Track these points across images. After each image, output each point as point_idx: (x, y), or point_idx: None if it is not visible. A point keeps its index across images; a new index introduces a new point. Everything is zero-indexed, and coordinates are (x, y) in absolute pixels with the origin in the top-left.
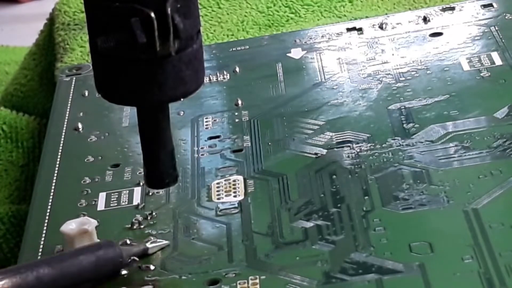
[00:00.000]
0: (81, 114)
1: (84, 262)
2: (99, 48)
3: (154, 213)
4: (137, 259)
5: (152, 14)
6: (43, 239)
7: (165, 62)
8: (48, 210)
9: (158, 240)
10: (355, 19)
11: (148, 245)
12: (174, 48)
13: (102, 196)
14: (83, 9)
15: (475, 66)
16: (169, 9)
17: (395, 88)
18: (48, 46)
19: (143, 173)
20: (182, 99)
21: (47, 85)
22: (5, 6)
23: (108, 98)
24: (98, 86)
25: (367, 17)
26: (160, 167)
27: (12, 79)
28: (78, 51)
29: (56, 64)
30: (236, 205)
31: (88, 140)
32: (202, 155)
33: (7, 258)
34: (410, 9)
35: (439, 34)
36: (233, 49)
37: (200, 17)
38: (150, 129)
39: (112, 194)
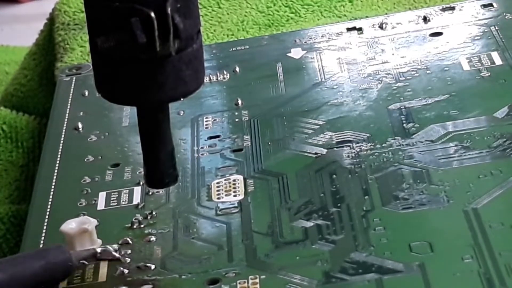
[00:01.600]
0: (81, 114)
1: (34, 266)
2: (99, 48)
3: (154, 213)
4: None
5: (152, 14)
6: (43, 238)
7: (165, 62)
8: (48, 210)
9: (109, 246)
10: (355, 19)
11: (97, 249)
12: (174, 48)
13: (102, 195)
14: (83, 9)
15: (475, 66)
16: (169, 9)
17: (395, 88)
18: (48, 46)
19: (143, 172)
20: (182, 99)
21: (47, 85)
22: (5, 6)
23: (108, 98)
24: (98, 86)
25: (367, 17)
26: (160, 167)
27: (12, 79)
28: (78, 51)
29: (56, 64)
30: (236, 205)
31: (88, 140)
32: (202, 154)
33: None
34: (410, 9)
35: (439, 34)
36: (233, 49)
37: (200, 17)
38: (150, 129)
39: (112, 193)
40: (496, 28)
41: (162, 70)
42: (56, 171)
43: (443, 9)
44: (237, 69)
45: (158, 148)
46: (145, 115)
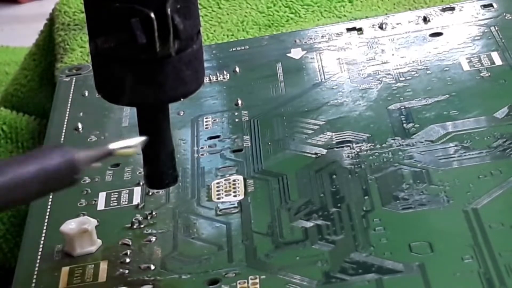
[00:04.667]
0: (81, 114)
1: (32, 170)
2: (99, 49)
3: (154, 213)
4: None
5: (152, 15)
6: (43, 239)
7: (165, 63)
8: (48, 210)
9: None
10: (355, 19)
11: (111, 146)
12: (174, 48)
13: (102, 195)
14: (83, 9)
15: (475, 66)
16: (169, 10)
17: (395, 88)
18: (48, 46)
19: (143, 173)
20: (182, 99)
21: (47, 85)
22: (5, 6)
23: (108, 98)
24: (98, 86)
25: (367, 17)
26: (160, 168)
27: (12, 80)
28: (78, 51)
29: (56, 64)
30: (236, 205)
31: (88, 140)
32: (202, 155)
33: (7, 258)
34: (410, 9)
35: (439, 34)
36: (233, 49)
37: (200, 17)
38: (150, 130)
39: (112, 193)
40: (496, 28)
41: (162, 71)
42: None
43: (443, 10)
44: (237, 69)
45: (158, 149)
46: (145, 115)
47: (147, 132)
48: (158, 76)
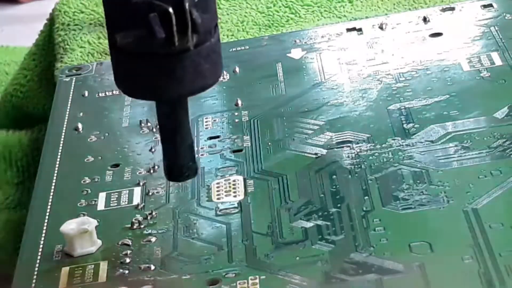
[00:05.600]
0: (81, 114)
1: None
2: (118, 44)
3: (154, 213)
4: None
5: (171, 10)
6: (43, 239)
7: (184, 57)
8: (48, 210)
9: None
10: (355, 19)
11: None
12: (193, 42)
13: (102, 196)
14: (83, 10)
15: (475, 66)
16: (187, 4)
17: (395, 88)
18: (48, 46)
19: (162, 166)
20: (201, 93)
21: (47, 86)
22: (5, 6)
23: (128, 93)
24: (117, 81)
25: (367, 17)
26: (179, 161)
27: (12, 80)
28: (78, 51)
29: (56, 64)
30: (236, 205)
31: (88, 140)
32: (202, 155)
33: (6, 264)
34: (410, 9)
35: (439, 34)
36: (233, 49)
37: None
38: (170, 123)
39: (112, 194)
40: (496, 28)
41: (181, 65)
42: (56, 171)
43: (443, 10)
44: (237, 69)
45: (177, 142)
46: (164, 109)
47: (167, 125)
48: (177, 70)
